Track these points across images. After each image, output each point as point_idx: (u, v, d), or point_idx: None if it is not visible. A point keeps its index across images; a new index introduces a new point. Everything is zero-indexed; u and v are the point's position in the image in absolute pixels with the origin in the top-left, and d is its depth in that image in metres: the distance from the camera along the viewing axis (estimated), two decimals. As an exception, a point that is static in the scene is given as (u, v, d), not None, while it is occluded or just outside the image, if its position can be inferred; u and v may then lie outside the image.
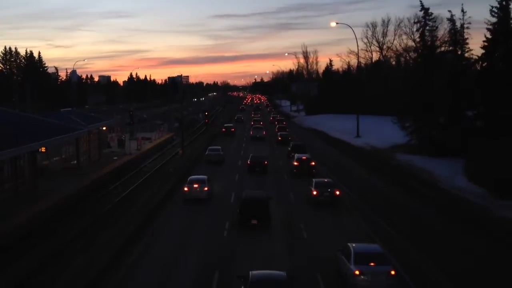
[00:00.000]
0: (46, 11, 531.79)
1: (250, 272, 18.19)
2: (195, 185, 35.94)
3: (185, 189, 36.19)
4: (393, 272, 19.63)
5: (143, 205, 34.26)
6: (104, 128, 59.98)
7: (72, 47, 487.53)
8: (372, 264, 19.68)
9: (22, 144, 32.50)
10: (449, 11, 52.31)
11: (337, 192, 34.54)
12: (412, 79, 56.29)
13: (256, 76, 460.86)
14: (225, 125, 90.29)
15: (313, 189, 34.56)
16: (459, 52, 52.80)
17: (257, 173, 46.12)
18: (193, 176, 38.62)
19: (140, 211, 32.33)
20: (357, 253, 20.14)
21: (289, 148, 56.12)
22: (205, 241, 26.95)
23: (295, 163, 45.99)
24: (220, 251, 25.04)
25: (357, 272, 19.46)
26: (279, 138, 71.00)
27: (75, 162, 48.02)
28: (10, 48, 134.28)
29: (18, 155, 33.61)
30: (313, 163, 46.24)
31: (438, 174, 41.50)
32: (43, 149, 40.40)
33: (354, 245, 20.94)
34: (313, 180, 36.07)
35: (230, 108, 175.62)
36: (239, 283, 18.27)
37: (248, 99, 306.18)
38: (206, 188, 36.04)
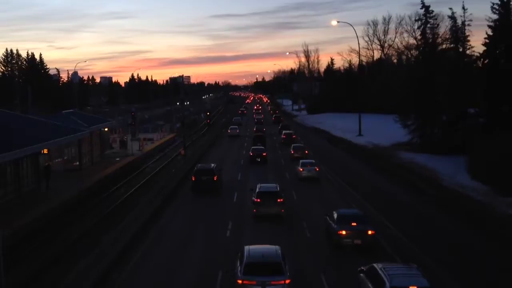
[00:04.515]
0: (47, 12, 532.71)
1: (252, 147, 56.62)
2: (233, 129, 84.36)
3: (228, 131, 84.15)
4: (317, 169, 43.18)
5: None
6: (106, 129, 59.97)
7: (73, 48, 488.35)
8: (308, 166, 43.20)
9: (24, 146, 32.49)
10: (450, 8, 52.49)
11: (306, 152, 55.10)
12: (414, 77, 56.21)
13: (257, 76, 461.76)
14: (240, 109, 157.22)
15: (291, 150, 55.64)
16: (461, 50, 52.73)
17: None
18: (231, 126, 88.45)
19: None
20: (302, 162, 44.11)
21: (279, 127, 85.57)
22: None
23: (283, 136, 71.06)
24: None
25: (301, 169, 43.02)
26: (273, 119, 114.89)
27: (77, 163, 48.05)
28: (11, 50, 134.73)
29: (21, 157, 33.61)
30: (294, 136, 70.28)
31: (441, 172, 41.43)
32: (45, 151, 40.43)
33: (301, 160, 45.38)
34: (292, 145, 58.48)
35: (232, 108, 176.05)
36: (247, 161, 53.55)
37: (250, 98, 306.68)
38: (237, 131, 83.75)
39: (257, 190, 31.19)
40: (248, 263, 18.39)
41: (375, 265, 17.77)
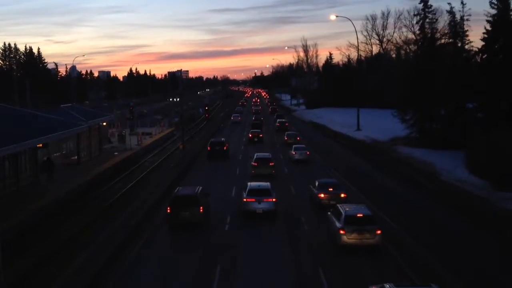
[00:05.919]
0: (45, 6, 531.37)
1: (251, 130, 70.67)
2: (236, 117, 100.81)
3: (231, 118, 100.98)
4: (308, 153, 49.57)
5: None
6: (104, 123, 59.80)
7: (72, 42, 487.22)
8: (300, 150, 49.48)
9: (22, 140, 32.44)
10: (449, 3, 52.26)
11: (298, 138, 62.52)
12: (413, 71, 56.19)
13: (256, 70, 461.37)
14: (241, 101, 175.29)
15: (285, 137, 63.80)
16: (459, 44, 52.72)
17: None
18: (234, 114, 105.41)
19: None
20: (295, 147, 50.66)
21: (274, 117, 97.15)
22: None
23: (277, 124, 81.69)
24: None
25: (293, 153, 49.48)
26: (270, 110, 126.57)
27: (76, 157, 48.02)
28: (9, 44, 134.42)
29: (19, 151, 33.59)
30: (287, 124, 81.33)
31: (439, 167, 41.45)
32: (40, 145, 40.24)
33: (294, 145, 52.01)
34: (286, 132, 66.91)
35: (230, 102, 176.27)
36: (247, 143, 64.74)
37: (249, 92, 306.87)
38: (239, 118, 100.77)
39: (255, 157, 43.04)
40: (250, 189, 30.20)
41: (337, 205, 25.51)
